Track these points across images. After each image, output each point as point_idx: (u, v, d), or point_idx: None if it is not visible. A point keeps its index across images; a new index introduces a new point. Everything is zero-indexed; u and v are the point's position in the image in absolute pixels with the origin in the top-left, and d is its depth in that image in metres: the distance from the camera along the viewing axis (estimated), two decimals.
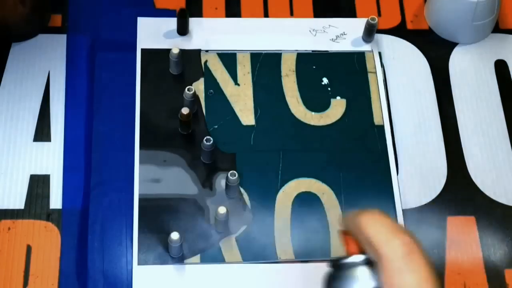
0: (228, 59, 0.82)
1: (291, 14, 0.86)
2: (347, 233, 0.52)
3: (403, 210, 0.75)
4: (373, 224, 0.48)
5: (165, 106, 0.78)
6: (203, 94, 0.79)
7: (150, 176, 0.74)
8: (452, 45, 0.85)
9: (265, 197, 0.74)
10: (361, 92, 0.81)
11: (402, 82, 0.82)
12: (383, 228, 0.47)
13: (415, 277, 0.45)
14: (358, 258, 0.50)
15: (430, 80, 0.83)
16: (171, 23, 0.83)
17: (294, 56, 0.82)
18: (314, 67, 0.82)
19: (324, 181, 0.76)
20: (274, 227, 0.73)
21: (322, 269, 0.71)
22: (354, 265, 0.49)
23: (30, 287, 0.69)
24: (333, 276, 0.50)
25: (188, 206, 0.73)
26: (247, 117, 0.79)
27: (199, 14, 0.85)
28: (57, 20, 0.84)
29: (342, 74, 0.82)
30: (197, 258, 0.71)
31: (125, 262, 0.70)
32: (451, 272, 0.72)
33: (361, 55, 0.83)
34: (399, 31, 0.86)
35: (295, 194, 0.75)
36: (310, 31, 0.84)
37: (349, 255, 0.51)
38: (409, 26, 0.86)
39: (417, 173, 0.77)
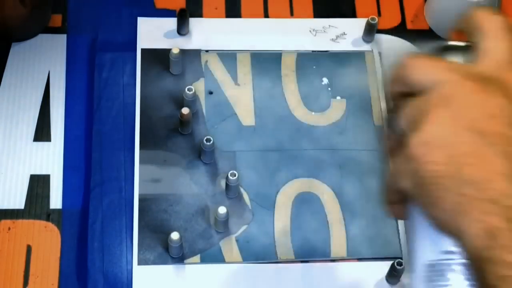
0: (228, 59, 0.82)
1: (291, 14, 0.86)
2: (456, 30, 0.55)
3: None
4: (480, 10, 0.51)
5: (165, 106, 0.78)
6: (203, 94, 0.79)
7: (150, 176, 0.74)
8: None
9: (265, 197, 0.74)
10: (361, 92, 0.81)
11: None
12: (488, 11, 0.50)
13: (508, 44, 0.47)
14: (461, 42, 0.53)
15: None
16: (171, 23, 0.83)
17: (294, 56, 0.82)
18: (314, 67, 0.82)
19: (324, 181, 0.76)
20: (274, 227, 0.73)
21: (322, 269, 0.71)
22: (456, 48, 0.53)
23: (30, 287, 0.69)
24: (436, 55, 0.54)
25: (188, 206, 0.73)
26: (247, 117, 0.79)
27: (199, 14, 0.85)
28: (57, 20, 0.84)
29: (342, 74, 0.82)
30: (197, 258, 0.71)
31: (125, 262, 0.70)
32: None
33: (361, 55, 0.83)
34: (399, 31, 0.86)
35: (295, 194, 0.75)
36: (310, 31, 0.84)
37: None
38: (409, 26, 0.86)
39: None
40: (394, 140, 0.48)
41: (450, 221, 0.41)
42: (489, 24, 0.49)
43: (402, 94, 0.48)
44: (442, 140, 0.42)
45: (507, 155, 0.41)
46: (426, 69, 0.46)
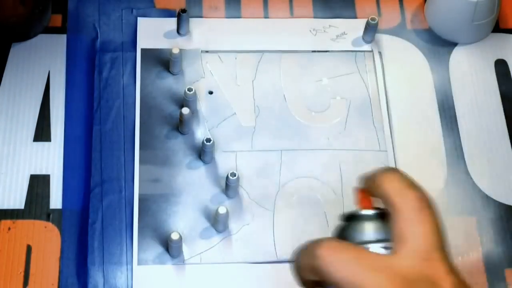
0: (228, 59, 0.82)
1: (291, 14, 0.86)
2: (362, 191, 0.53)
3: None
4: (390, 178, 0.50)
5: (165, 106, 0.78)
6: (203, 94, 0.79)
7: (150, 176, 0.74)
8: (452, 45, 0.85)
9: (265, 197, 0.74)
10: (361, 92, 0.81)
11: (402, 82, 0.82)
12: (398, 182, 0.49)
13: (424, 229, 0.47)
14: (370, 211, 0.51)
15: (430, 80, 0.83)
16: (171, 23, 0.83)
17: (294, 56, 0.82)
18: (314, 67, 0.82)
19: (324, 181, 0.76)
20: (274, 227, 0.73)
21: None
22: (366, 217, 0.51)
23: (30, 287, 0.69)
24: (345, 228, 0.51)
25: (188, 206, 0.73)
26: (247, 117, 0.79)
27: (199, 14, 0.85)
28: (57, 20, 0.84)
29: (342, 74, 0.82)
30: (197, 258, 0.71)
31: (125, 262, 0.70)
32: None
33: (361, 55, 0.83)
34: (399, 31, 0.86)
35: (295, 194, 0.75)
36: (310, 31, 0.84)
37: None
38: (409, 26, 0.86)
39: (417, 173, 0.77)
40: None
41: None
42: (402, 202, 0.47)
43: (315, 282, 0.46)
44: None
45: None
46: (344, 266, 0.44)
